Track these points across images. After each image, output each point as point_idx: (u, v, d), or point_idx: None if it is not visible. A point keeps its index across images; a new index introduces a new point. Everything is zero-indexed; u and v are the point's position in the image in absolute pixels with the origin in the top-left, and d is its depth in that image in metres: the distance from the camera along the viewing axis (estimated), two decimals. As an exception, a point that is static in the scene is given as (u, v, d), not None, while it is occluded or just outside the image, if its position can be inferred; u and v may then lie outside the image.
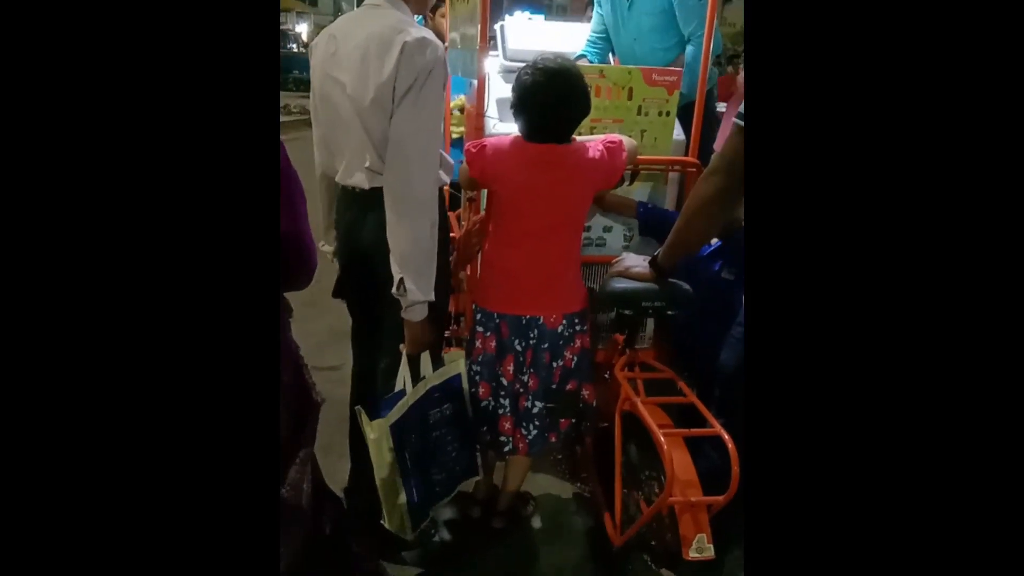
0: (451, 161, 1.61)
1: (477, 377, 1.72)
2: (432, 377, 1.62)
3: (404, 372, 1.55)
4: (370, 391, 1.70)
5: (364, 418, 1.49)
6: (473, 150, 1.64)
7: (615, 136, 1.70)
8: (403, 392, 1.55)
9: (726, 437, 1.38)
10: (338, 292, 1.74)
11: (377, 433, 1.49)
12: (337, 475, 1.77)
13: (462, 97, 2.70)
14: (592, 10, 3.03)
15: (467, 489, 2.01)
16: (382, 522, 1.56)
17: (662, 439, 1.39)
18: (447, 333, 2.19)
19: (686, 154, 2.01)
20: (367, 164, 1.48)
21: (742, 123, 1.21)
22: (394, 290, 1.44)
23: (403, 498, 1.57)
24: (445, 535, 1.94)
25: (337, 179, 1.58)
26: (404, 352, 1.54)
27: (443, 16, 2.88)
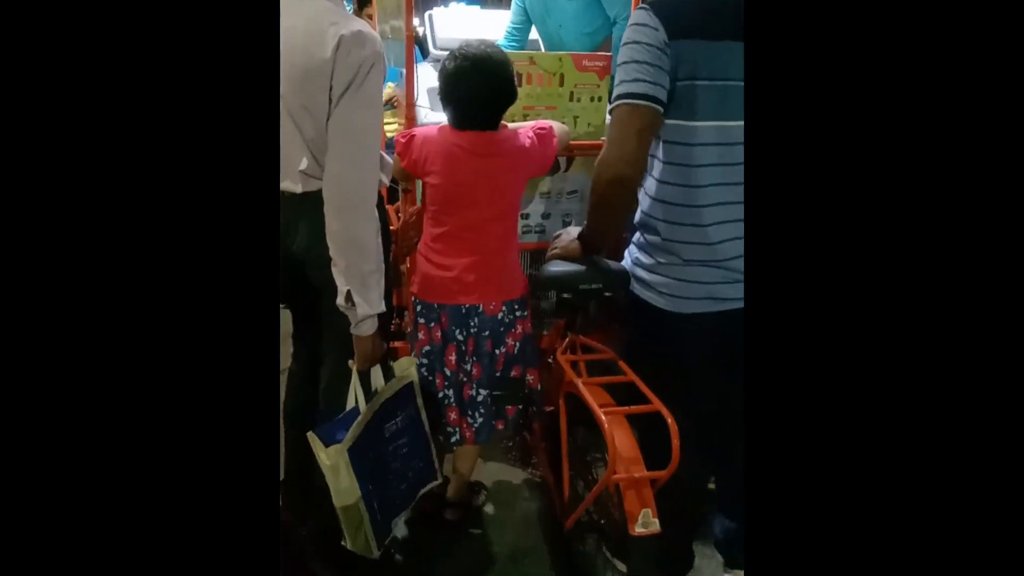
0: (390, 161, 1.56)
1: (425, 370, 1.71)
2: (385, 390, 1.56)
3: (356, 389, 1.48)
4: (310, 401, 1.64)
5: (317, 445, 1.40)
6: (403, 140, 1.62)
7: (545, 122, 1.71)
8: (356, 411, 1.48)
9: (665, 412, 1.40)
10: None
11: (334, 460, 1.40)
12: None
13: (391, 85, 2.67)
14: None
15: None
16: (343, 543, 1.49)
17: (603, 417, 1.41)
18: (391, 327, 2.17)
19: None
20: (301, 167, 1.39)
21: (620, 103, 1.25)
22: (342, 303, 1.36)
23: (367, 521, 1.50)
24: (398, 531, 1.93)
25: None
26: (354, 368, 1.46)
27: (369, 16, 2.85)
